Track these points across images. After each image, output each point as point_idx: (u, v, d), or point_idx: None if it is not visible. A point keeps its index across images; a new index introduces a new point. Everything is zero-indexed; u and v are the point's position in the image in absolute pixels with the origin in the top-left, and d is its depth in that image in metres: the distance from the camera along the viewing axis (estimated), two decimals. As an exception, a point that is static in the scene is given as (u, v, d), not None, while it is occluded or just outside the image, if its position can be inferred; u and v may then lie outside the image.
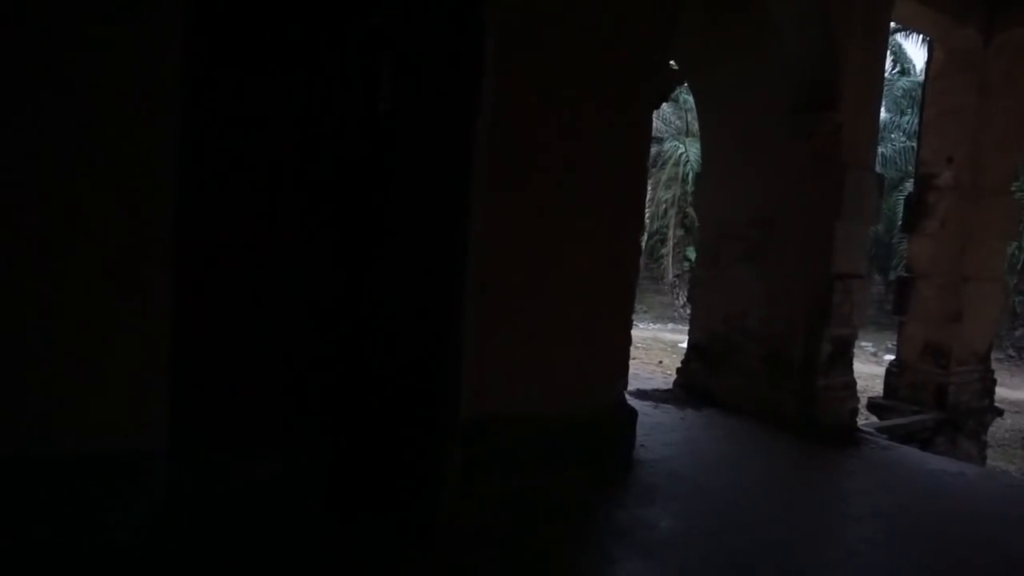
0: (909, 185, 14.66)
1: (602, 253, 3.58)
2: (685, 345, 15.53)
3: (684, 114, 20.92)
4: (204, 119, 2.73)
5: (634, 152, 3.72)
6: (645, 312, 19.19)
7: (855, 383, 5.23)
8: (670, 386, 6.05)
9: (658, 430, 4.73)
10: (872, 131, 5.04)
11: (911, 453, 4.77)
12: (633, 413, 3.95)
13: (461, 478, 3.10)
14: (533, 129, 3.28)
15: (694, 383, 5.74)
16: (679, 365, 6.10)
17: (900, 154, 18.74)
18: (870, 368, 11.78)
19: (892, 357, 6.95)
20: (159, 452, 2.55)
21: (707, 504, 3.42)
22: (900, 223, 8.30)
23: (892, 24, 5.62)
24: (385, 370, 3.15)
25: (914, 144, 16.03)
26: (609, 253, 3.61)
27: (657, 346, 15.04)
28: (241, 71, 2.83)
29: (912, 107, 18.80)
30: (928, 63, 6.42)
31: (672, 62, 4.43)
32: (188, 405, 2.68)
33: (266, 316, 2.95)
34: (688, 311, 19.64)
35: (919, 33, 11.17)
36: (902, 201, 7.21)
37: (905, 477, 4.20)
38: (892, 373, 6.54)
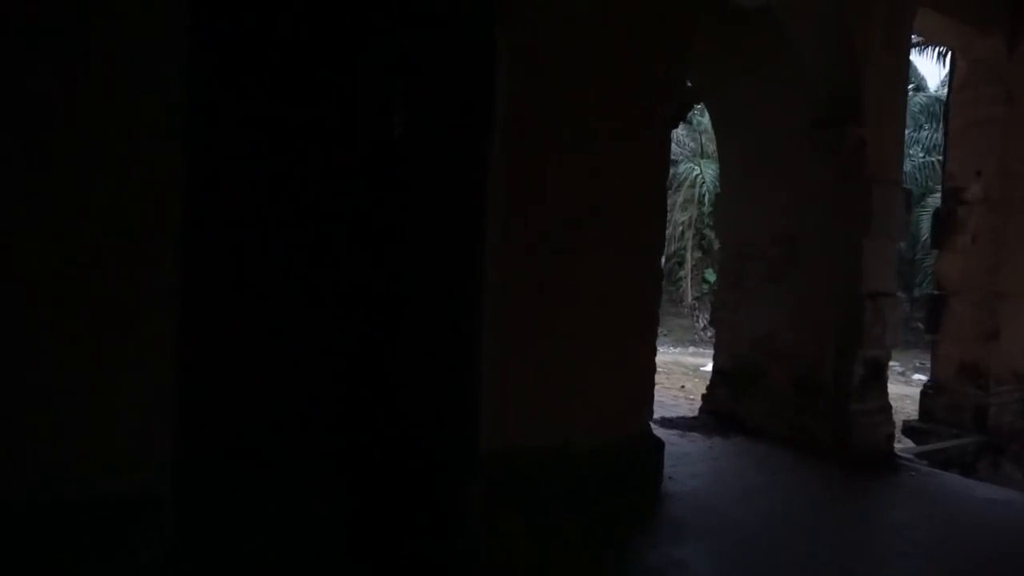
0: (932, 200, 14.35)
1: (623, 278, 3.45)
2: (707, 369, 15.19)
3: (698, 136, 20.83)
4: (208, 151, 2.66)
5: (653, 173, 3.60)
6: (665, 336, 18.92)
7: (890, 407, 5.01)
8: (696, 413, 5.85)
9: (685, 460, 4.54)
10: (898, 144, 4.90)
11: (954, 480, 4.53)
12: (660, 444, 3.78)
13: (482, 515, 2.95)
14: (549, 153, 3.18)
15: (721, 409, 5.55)
16: (704, 391, 5.91)
17: (920, 169, 18.45)
18: (899, 388, 11.42)
19: (920, 376, 6.72)
20: (165, 497, 2.44)
21: (741, 541, 3.23)
22: (929, 239, 8.09)
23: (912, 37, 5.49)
24: (401, 404, 3.03)
25: (934, 159, 15.84)
26: (631, 278, 3.48)
27: (679, 370, 14.76)
28: (245, 98, 2.75)
29: (930, 122, 18.57)
30: (951, 75, 6.26)
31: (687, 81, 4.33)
32: (196, 446, 2.57)
33: (277, 354, 2.85)
34: (709, 334, 19.37)
35: (935, 47, 11.02)
36: (924, 217, 7.01)
37: (950, 508, 3.96)
38: (927, 395, 6.29)
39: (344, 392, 2.89)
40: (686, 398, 10.69)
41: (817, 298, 4.87)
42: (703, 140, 20.52)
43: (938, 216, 6.28)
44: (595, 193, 3.34)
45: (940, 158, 15.92)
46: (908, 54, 5.07)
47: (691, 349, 17.92)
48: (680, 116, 3.70)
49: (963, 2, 5.41)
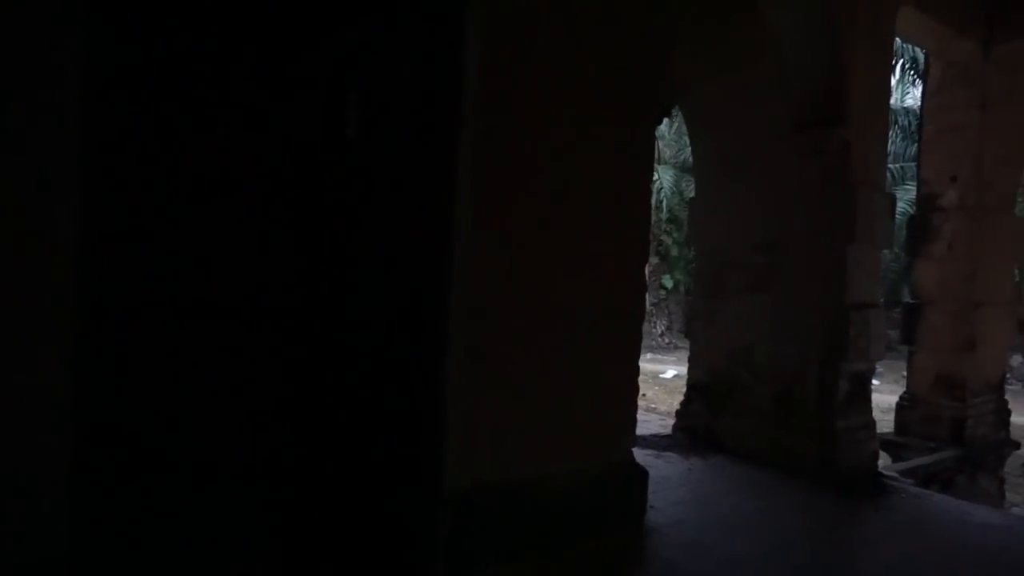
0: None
1: (603, 293, 3.08)
2: (667, 376, 14.98)
3: (656, 142, 20.81)
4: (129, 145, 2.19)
5: (636, 177, 3.24)
6: (623, 342, 18.70)
7: (874, 423, 4.77)
8: (669, 430, 5.53)
9: (665, 485, 4.19)
10: (881, 148, 4.67)
11: (946, 503, 4.29)
12: (643, 473, 3.42)
13: (448, 558, 2.55)
14: (522, 154, 2.78)
15: (697, 426, 5.23)
16: (678, 407, 5.59)
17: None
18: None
19: (879, 383, 6.53)
20: (58, 560, 1.97)
21: (739, 583, 2.89)
22: (903, 246, 7.98)
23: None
24: (352, 439, 2.60)
25: (899, 166, 15.99)
26: (611, 293, 3.11)
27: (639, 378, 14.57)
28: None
29: (892, 130, 18.81)
30: (924, 79, 6.12)
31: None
32: (97, 499, 2.10)
33: (208, 382, 2.38)
34: (667, 340, 19.22)
35: (914, 46, 10.97)
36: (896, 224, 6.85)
37: (949, 536, 3.70)
38: (903, 407, 6.11)
39: (283, 427, 2.45)
40: (648, 407, 10.43)
41: (800, 309, 4.61)
42: (660, 146, 20.49)
43: (913, 223, 6.12)
44: (571, 200, 2.96)
45: (899, 166, 16.17)
46: (892, 53, 4.86)
47: (650, 356, 17.79)
48: (666, 112, 3.35)
49: (943, 1, 5.24)
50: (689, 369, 5.48)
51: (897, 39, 5.51)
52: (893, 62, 5.86)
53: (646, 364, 15.78)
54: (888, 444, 6.03)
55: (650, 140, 3.30)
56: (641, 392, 12.59)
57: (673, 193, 18.95)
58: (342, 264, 2.77)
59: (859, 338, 4.52)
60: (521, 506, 2.85)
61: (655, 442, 5.19)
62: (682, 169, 19.12)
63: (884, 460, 5.78)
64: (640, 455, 4.79)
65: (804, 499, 4.15)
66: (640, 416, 6.88)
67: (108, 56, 2.22)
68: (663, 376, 15.41)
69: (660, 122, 3.51)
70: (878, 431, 5.09)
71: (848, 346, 4.46)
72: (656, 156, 20.59)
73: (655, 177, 19.86)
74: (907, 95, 17.22)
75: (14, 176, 1.87)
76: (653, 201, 19.98)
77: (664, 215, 19.85)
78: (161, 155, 2.38)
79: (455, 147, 2.58)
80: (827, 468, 4.40)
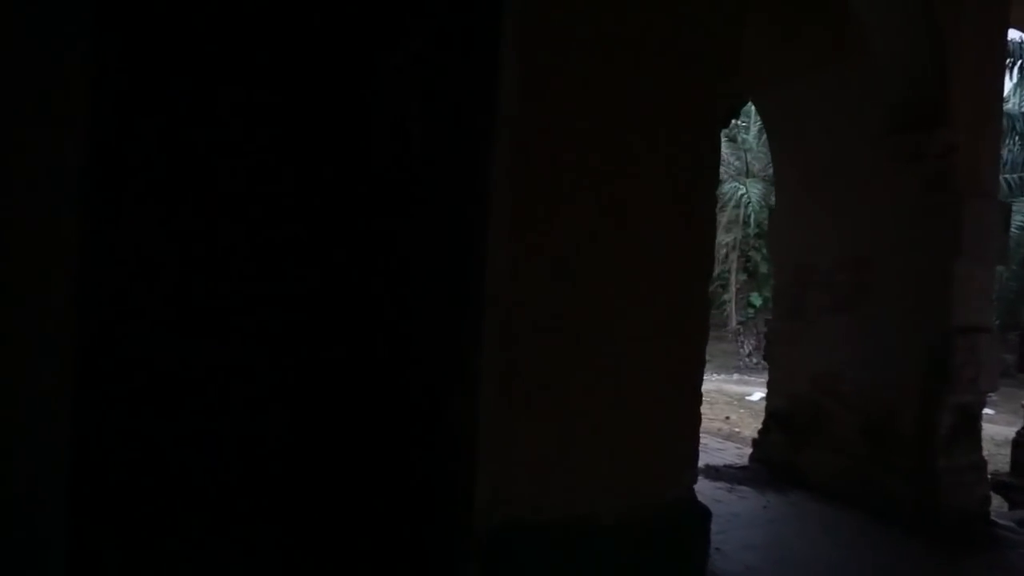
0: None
1: (659, 313, 2.77)
2: (753, 399, 14.18)
3: (743, 154, 19.99)
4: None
5: (697, 185, 2.92)
6: (708, 361, 17.79)
7: (985, 463, 4.20)
8: (745, 461, 5.09)
9: (736, 524, 3.80)
10: (993, 150, 4.13)
11: (1075, 562, 3.69)
12: (706, 513, 3.05)
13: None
14: (572, 166, 2.54)
15: (775, 458, 4.78)
16: (755, 436, 5.14)
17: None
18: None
19: (993, 412, 5.79)
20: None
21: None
22: (1021, 263, 7.16)
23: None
24: (371, 465, 2.40)
25: (1017, 176, 14.64)
26: (669, 313, 2.80)
27: (722, 400, 13.87)
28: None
29: (1011, 134, 17.32)
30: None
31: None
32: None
33: (224, 406, 2.25)
34: (755, 360, 18.30)
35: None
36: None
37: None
38: (1020, 445, 5.40)
39: (296, 452, 2.28)
40: (731, 429, 9.82)
41: (895, 333, 4.12)
42: (748, 158, 19.69)
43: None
44: (625, 213, 2.68)
45: (1016, 176, 14.83)
46: (1004, 43, 4.30)
47: (735, 376, 16.98)
48: (735, 113, 3.02)
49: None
50: (768, 395, 5.04)
51: (1014, 32, 4.92)
52: (1010, 62, 5.22)
53: (732, 386, 15.10)
54: (1002, 486, 5.32)
55: (714, 145, 2.97)
56: (725, 415, 11.91)
57: (761, 207, 18.10)
58: (378, 282, 2.61)
59: (966, 366, 3.98)
60: (561, 549, 2.58)
61: (728, 474, 4.78)
62: (771, 183, 18.25)
63: (997, 504, 5.10)
64: (710, 488, 4.42)
65: (897, 549, 3.66)
66: (715, 443, 6.46)
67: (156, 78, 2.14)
68: (749, 399, 14.63)
69: (728, 124, 3.18)
70: (990, 470, 4.49)
71: (952, 375, 3.94)
72: (744, 169, 19.81)
73: (743, 191, 19.10)
74: (1027, 99, 15.82)
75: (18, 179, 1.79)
76: (740, 215, 19.21)
77: (752, 230, 19.01)
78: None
79: (490, 161, 2.38)
80: (925, 513, 3.89)
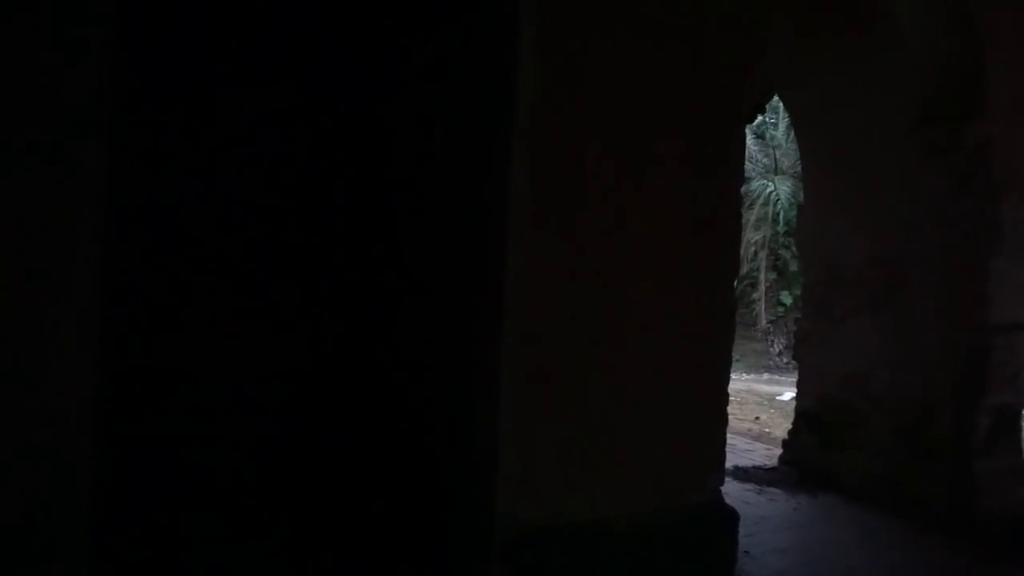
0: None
1: (683, 314, 2.73)
2: (783, 398, 13.92)
3: (772, 151, 19.69)
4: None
5: (720, 184, 2.87)
6: (738, 361, 17.70)
7: (1026, 466, 4.06)
8: (775, 462, 4.99)
9: (765, 527, 3.73)
10: (1031, 143, 3.98)
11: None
12: (733, 516, 3.00)
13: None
14: (594, 166, 2.52)
15: (805, 460, 4.69)
16: (785, 437, 5.04)
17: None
18: None
19: None
20: None
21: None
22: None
23: None
24: (395, 467, 2.39)
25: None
26: (693, 314, 2.75)
27: (752, 399, 13.66)
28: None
29: None
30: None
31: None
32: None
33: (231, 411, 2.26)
34: (785, 360, 17.96)
35: None
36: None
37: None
38: (1062, 446, 5.22)
39: (318, 461, 2.28)
40: (761, 429, 9.66)
41: (927, 331, 4.00)
42: (777, 155, 19.38)
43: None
44: (649, 211, 2.64)
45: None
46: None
47: (766, 376, 16.73)
48: (760, 108, 2.95)
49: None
50: (798, 396, 4.95)
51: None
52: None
53: (762, 385, 14.87)
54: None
55: (738, 142, 2.91)
56: (754, 415, 11.68)
57: (791, 205, 17.81)
58: (399, 289, 2.60)
59: (1005, 366, 3.86)
60: (583, 551, 2.55)
61: (757, 475, 4.69)
62: (800, 179, 17.95)
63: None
64: (739, 489, 4.34)
65: (932, 554, 3.55)
66: (744, 444, 6.35)
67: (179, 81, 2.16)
68: (780, 398, 14.38)
69: (753, 119, 3.11)
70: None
71: (990, 375, 3.81)
72: (773, 166, 19.44)
73: (771, 188, 18.81)
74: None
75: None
76: (769, 213, 18.92)
77: (781, 227, 18.71)
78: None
79: (509, 163, 2.36)
80: (962, 518, 3.77)
